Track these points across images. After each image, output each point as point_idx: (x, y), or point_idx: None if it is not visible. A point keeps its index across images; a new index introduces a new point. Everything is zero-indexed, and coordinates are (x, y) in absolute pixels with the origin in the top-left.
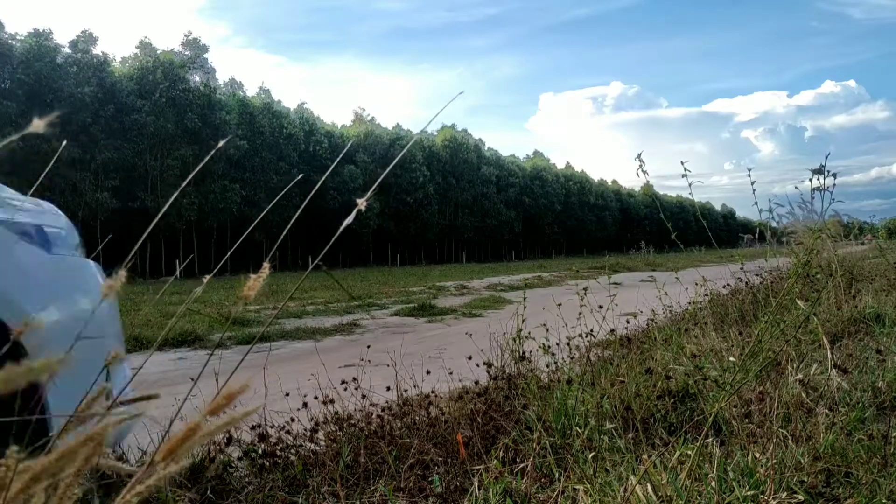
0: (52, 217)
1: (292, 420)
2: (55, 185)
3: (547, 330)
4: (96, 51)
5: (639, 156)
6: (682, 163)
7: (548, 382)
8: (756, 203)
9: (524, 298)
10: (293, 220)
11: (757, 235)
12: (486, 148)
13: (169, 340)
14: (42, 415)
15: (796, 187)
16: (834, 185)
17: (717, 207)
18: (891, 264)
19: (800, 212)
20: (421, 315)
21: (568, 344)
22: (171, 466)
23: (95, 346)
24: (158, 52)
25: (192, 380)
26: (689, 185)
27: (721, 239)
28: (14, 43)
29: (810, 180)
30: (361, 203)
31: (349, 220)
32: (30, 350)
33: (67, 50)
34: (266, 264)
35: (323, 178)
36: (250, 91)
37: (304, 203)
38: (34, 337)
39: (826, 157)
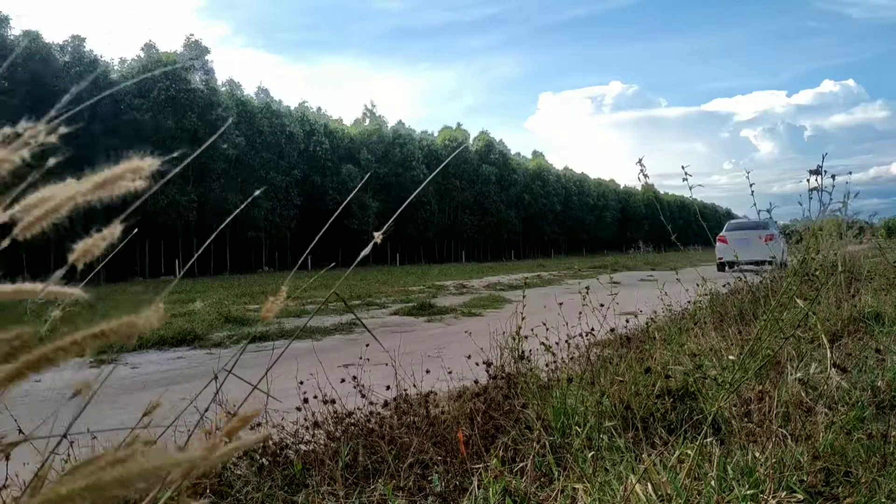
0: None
1: (299, 410)
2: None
3: (547, 329)
4: (89, 51)
5: (640, 160)
6: (682, 167)
7: (547, 381)
8: (755, 205)
9: (523, 297)
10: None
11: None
12: (497, 141)
13: (167, 339)
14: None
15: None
16: (833, 185)
17: (716, 206)
18: (890, 263)
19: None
20: (420, 314)
21: (567, 343)
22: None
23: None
24: (162, 53)
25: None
26: (691, 188)
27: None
28: (14, 42)
29: (808, 181)
30: (378, 237)
31: (366, 251)
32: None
33: (60, 51)
34: (284, 288)
35: (346, 201)
36: (249, 90)
37: (302, 204)
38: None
39: (823, 158)
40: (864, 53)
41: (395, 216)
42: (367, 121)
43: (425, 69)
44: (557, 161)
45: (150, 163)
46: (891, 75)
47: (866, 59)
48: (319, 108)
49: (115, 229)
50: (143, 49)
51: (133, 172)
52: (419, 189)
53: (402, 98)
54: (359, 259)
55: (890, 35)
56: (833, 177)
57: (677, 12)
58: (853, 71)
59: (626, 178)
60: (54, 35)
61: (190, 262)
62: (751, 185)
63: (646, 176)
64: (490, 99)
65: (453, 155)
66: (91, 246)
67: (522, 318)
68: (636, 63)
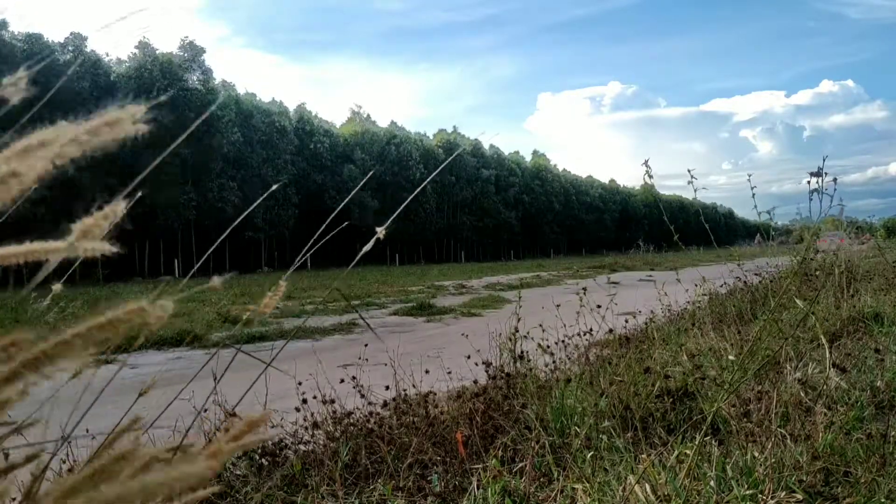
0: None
1: (298, 410)
2: (54, 183)
3: (543, 330)
4: (88, 50)
5: (646, 162)
6: (689, 171)
7: (546, 382)
8: (756, 208)
9: (519, 297)
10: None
11: (761, 236)
12: (487, 146)
13: (167, 339)
14: None
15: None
16: (835, 188)
17: (716, 207)
18: (889, 263)
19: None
20: (420, 314)
21: (567, 342)
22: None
23: None
24: (158, 52)
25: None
26: (695, 191)
27: (720, 238)
28: (15, 43)
29: (808, 182)
30: (381, 231)
31: (368, 247)
32: None
33: (61, 51)
34: (282, 283)
35: (349, 201)
36: (246, 90)
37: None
38: None
39: (824, 160)
40: (863, 53)
41: (393, 216)
42: (356, 121)
43: (425, 69)
44: (557, 161)
45: (135, 109)
46: (890, 75)
47: (865, 59)
48: (310, 111)
49: (118, 207)
50: (137, 47)
51: (124, 119)
52: (418, 190)
53: (402, 98)
54: (360, 255)
55: (889, 35)
56: (835, 179)
57: (677, 12)
58: (852, 71)
59: (626, 178)
60: (53, 34)
61: (193, 269)
62: (752, 188)
63: (650, 177)
64: (489, 99)
65: (451, 158)
66: (92, 226)
67: (518, 319)
68: (635, 63)
